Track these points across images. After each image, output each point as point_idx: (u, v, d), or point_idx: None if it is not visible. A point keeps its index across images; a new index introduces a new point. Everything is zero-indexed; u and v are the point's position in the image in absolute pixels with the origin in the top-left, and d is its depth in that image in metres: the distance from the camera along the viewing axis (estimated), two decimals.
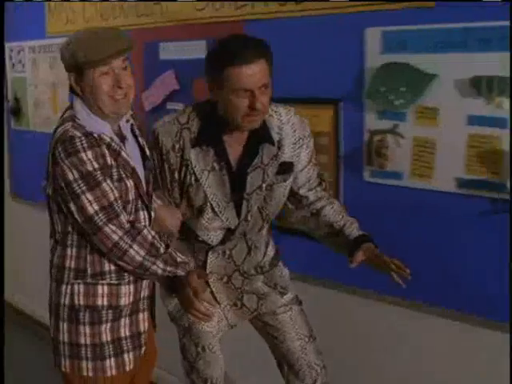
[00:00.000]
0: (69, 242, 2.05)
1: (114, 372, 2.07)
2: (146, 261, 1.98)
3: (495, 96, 2.02)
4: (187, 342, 2.29)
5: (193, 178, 2.08)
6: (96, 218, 1.93)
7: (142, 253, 1.97)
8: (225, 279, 2.23)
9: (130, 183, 2.01)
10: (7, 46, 4.34)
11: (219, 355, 2.30)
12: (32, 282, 4.50)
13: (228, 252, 2.20)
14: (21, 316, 4.60)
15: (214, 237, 2.17)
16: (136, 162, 2.07)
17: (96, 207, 1.92)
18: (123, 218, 1.95)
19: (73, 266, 2.06)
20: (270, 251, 2.29)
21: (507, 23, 1.95)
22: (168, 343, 2.49)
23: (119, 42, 1.95)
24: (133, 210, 2.03)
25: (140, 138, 2.15)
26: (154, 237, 2.00)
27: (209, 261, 2.20)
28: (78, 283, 2.05)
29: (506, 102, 1.99)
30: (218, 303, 2.25)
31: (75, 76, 1.97)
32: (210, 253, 2.19)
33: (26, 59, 4.17)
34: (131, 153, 2.07)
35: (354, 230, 2.12)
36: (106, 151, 1.96)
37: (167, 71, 3.08)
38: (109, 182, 1.94)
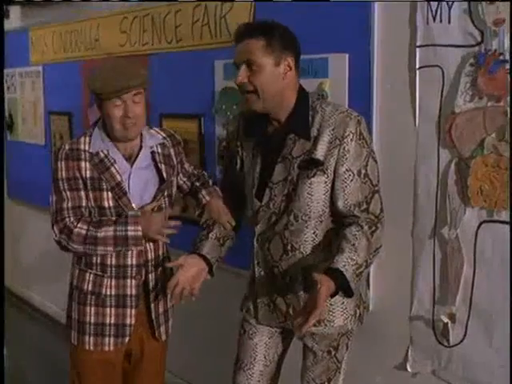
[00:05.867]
0: None
1: (91, 347, 2.37)
2: (88, 245, 2.27)
3: None
4: (241, 323, 2.34)
5: (239, 165, 2.21)
6: (52, 216, 2.31)
7: (80, 247, 2.27)
8: (268, 272, 2.16)
9: (108, 194, 2.29)
10: (4, 71, 5.22)
11: (258, 346, 2.26)
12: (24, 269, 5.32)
13: (267, 245, 2.12)
14: (19, 301, 5.34)
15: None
16: (137, 180, 2.33)
17: (54, 208, 2.31)
18: (68, 221, 2.26)
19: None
20: (323, 264, 2.01)
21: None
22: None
23: (130, 80, 2.19)
24: (113, 213, 2.31)
25: (161, 165, 2.37)
26: (88, 229, 2.26)
27: (254, 249, 2.18)
28: (76, 268, 2.41)
29: None
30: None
31: (98, 103, 2.27)
32: (254, 241, 2.17)
33: (16, 83, 5.03)
34: (136, 172, 2.32)
35: (339, 261, 1.93)
36: (85, 165, 2.28)
37: None
38: (68, 193, 2.28)
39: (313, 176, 2.00)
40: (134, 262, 2.36)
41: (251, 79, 1.98)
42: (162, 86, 3.31)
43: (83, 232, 2.26)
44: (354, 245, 1.94)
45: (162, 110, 3.35)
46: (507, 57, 2.02)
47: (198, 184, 2.50)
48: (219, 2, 2.98)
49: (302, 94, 2.08)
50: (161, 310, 2.46)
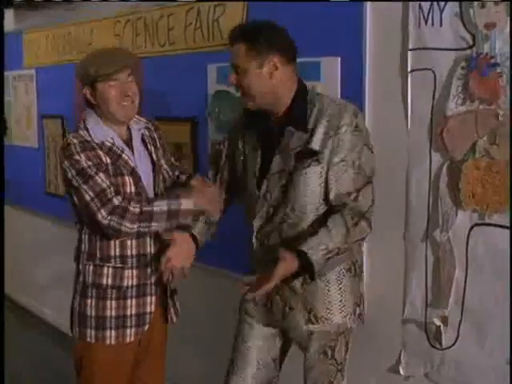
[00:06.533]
0: (83, 230, 2.36)
1: (113, 341, 2.33)
2: (142, 228, 2.21)
3: None
4: (237, 326, 2.34)
5: (241, 157, 2.22)
6: (92, 204, 2.19)
7: (135, 225, 2.19)
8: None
9: (128, 179, 2.28)
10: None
11: (251, 349, 2.26)
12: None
13: (266, 242, 2.14)
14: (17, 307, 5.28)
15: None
16: (141, 164, 2.35)
17: (92, 194, 2.19)
18: (115, 200, 2.18)
19: (86, 249, 2.36)
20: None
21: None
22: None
23: (123, 60, 2.27)
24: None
25: (149, 146, 2.42)
26: (141, 206, 2.20)
27: (253, 246, 2.18)
28: (89, 264, 2.34)
29: None
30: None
31: (90, 89, 2.29)
32: (252, 237, 2.17)
33: (10, 86, 5.03)
34: (138, 156, 2.35)
35: (309, 243, 1.97)
36: (101, 153, 2.25)
37: None
38: (101, 174, 2.20)
39: (308, 166, 2.03)
40: (153, 250, 2.37)
41: (239, 82, 2.06)
42: (155, 89, 3.31)
43: (137, 210, 2.20)
44: (330, 230, 1.98)
45: (154, 112, 3.34)
46: (498, 60, 2.03)
47: (184, 177, 2.53)
48: (212, 6, 2.98)
49: (301, 87, 2.12)
50: (169, 293, 2.48)
